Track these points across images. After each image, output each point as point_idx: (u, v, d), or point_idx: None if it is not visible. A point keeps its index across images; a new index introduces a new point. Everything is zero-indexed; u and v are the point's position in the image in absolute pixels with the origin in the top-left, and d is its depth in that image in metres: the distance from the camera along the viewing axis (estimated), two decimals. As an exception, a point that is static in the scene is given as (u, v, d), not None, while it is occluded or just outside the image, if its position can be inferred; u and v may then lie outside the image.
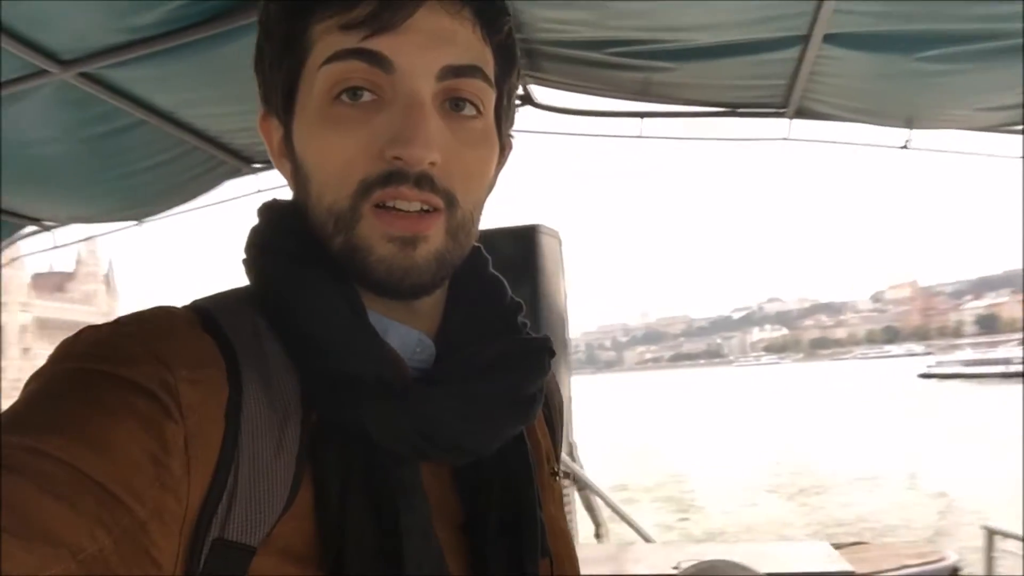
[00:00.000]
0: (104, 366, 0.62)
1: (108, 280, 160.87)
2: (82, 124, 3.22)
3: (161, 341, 0.66)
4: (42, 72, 2.81)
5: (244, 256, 0.79)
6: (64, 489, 0.54)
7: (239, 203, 3.91)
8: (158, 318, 0.69)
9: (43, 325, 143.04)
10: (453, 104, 0.74)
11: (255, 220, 0.82)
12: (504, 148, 0.85)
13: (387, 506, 0.68)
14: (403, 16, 0.69)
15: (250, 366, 0.69)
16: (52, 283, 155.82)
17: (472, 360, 0.78)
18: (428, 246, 0.72)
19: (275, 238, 0.78)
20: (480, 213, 0.80)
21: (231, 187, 3.99)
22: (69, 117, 3.14)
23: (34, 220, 4.22)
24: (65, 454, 0.55)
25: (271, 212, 0.82)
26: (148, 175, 3.72)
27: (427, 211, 0.72)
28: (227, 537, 0.62)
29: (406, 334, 0.78)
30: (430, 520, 0.71)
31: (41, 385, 0.62)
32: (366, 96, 0.71)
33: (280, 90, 0.76)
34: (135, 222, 4.20)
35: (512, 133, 0.88)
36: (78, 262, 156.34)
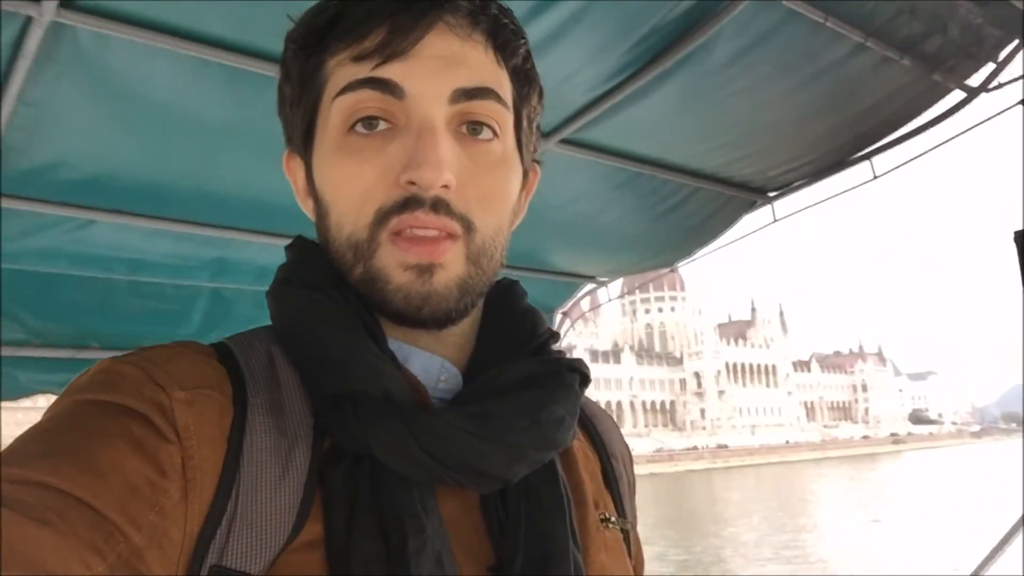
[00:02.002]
0: (100, 395, 0.64)
1: (782, 323, 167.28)
2: (585, 184, 3.37)
3: (159, 366, 0.67)
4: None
5: (269, 290, 0.81)
6: (51, 515, 0.54)
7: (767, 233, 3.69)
8: (166, 347, 0.71)
9: (732, 370, 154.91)
10: (470, 128, 0.74)
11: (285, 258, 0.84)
12: (527, 173, 0.85)
13: (395, 529, 0.65)
14: (412, 41, 0.70)
15: (258, 391, 0.70)
16: (735, 331, 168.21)
17: (492, 381, 0.76)
18: (447, 273, 0.72)
19: (299, 271, 0.79)
20: (504, 239, 0.79)
21: (754, 219, 3.80)
22: (572, 182, 3.31)
23: (589, 278, 4.54)
24: (55, 480, 0.56)
25: (298, 249, 0.83)
26: (663, 223, 3.73)
27: (443, 237, 0.71)
28: (225, 564, 0.61)
29: (428, 361, 0.77)
30: (447, 547, 0.67)
31: (43, 419, 0.64)
32: (381, 125, 0.72)
33: (300, 128, 0.78)
34: (668, 269, 4.24)
35: (537, 159, 0.87)
36: (753, 309, 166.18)
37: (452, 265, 0.72)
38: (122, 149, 2.64)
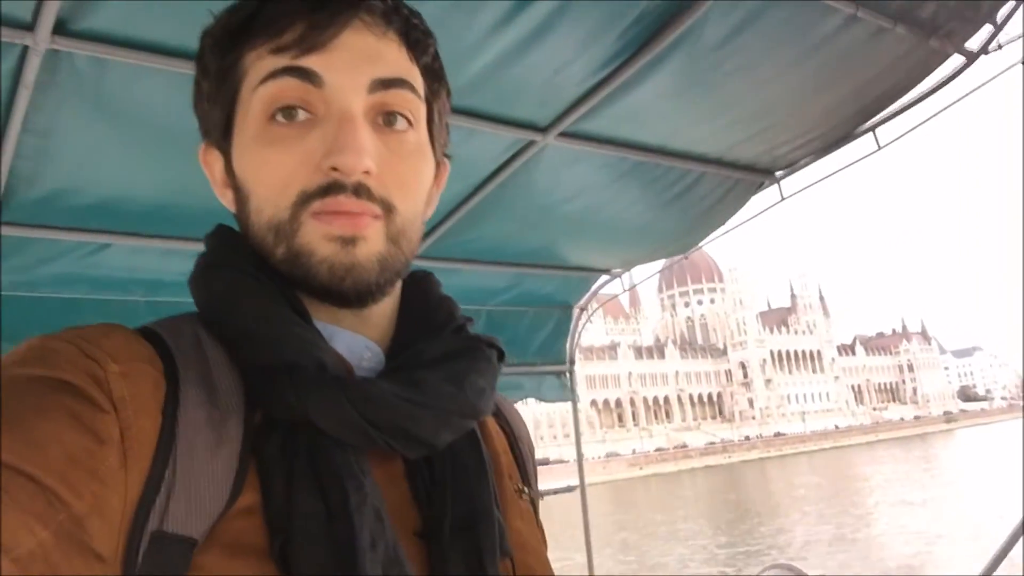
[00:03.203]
0: (34, 369, 0.65)
1: (824, 308, 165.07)
2: (589, 177, 3.37)
3: (92, 342, 0.68)
4: (531, 143, 3.02)
5: (191, 276, 0.82)
6: None
7: (777, 211, 3.64)
8: (95, 327, 0.72)
9: (777, 358, 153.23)
10: (386, 119, 0.77)
11: (204, 248, 0.85)
12: (439, 165, 0.87)
13: (334, 488, 0.67)
14: (329, 36, 0.74)
15: (188, 366, 0.71)
16: (776, 318, 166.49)
17: (419, 354, 0.80)
18: (369, 247, 0.74)
19: (222, 255, 0.81)
20: (419, 226, 0.82)
21: (764, 198, 3.77)
22: (575, 175, 3.32)
23: (604, 271, 4.56)
24: None
25: (219, 236, 0.85)
26: (672, 210, 3.72)
27: (366, 216, 0.74)
28: (166, 529, 0.63)
29: (352, 340, 0.80)
30: (382, 501, 0.70)
31: None
32: (300, 115, 0.74)
33: (219, 121, 0.80)
34: (682, 255, 4.21)
35: (447, 153, 0.90)
36: (793, 295, 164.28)
37: (373, 240, 0.75)
38: (130, 171, 2.70)
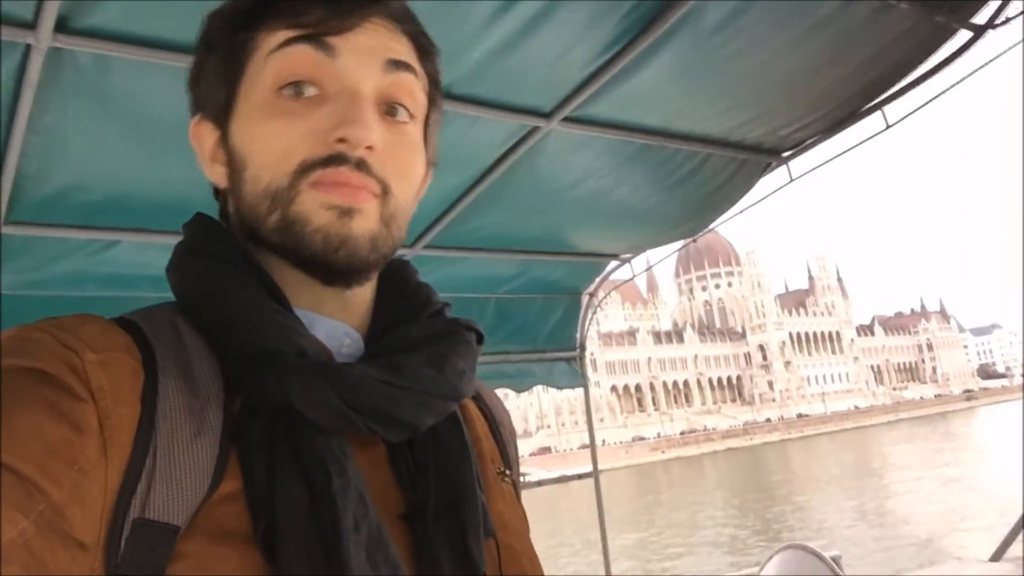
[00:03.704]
0: (12, 360, 0.65)
1: (842, 289, 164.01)
2: (594, 162, 3.36)
3: (69, 331, 0.68)
4: (535, 129, 3.02)
5: (169, 264, 0.82)
6: None
7: (793, 192, 3.63)
8: (71, 316, 0.72)
9: (796, 339, 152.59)
10: (389, 109, 0.78)
11: (182, 237, 0.85)
12: (427, 167, 0.88)
13: (317, 472, 0.68)
14: (349, 25, 0.76)
15: (166, 355, 0.71)
16: (794, 300, 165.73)
17: (399, 338, 0.80)
18: (365, 222, 0.75)
19: (201, 243, 0.81)
20: (408, 215, 0.83)
21: (771, 181, 3.74)
22: (580, 160, 3.31)
23: (612, 256, 4.55)
24: None
25: (197, 224, 0.85)
26: (679, 193, 3.71)
27: (365, 191, 0.75)
28: (148, 516, 0.63)
29: (332, 327, 0.81)
30: (366, 486, 0.71)
31: None
32: (309, 91, 0.75)
33: (220, 95, 0.80)
34: (691, 239, 4.20)
35: (434, 162, 0.91)
36: (810, 277, 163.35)
37: (369, 216, 0.75)
38: (135, 167, 2.71)
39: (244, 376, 0.72)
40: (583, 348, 5.22)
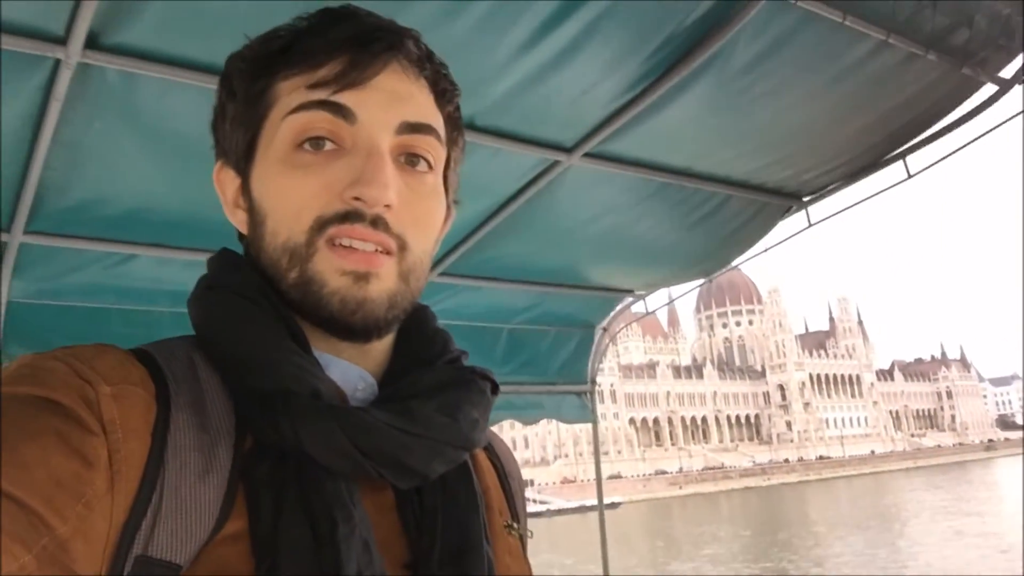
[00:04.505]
0: (26, 388, 0.64)
1: (863, 332, 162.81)
2: (613, 198, 3.36)
3: (85, 362, 0.68)
4: (556, 163, 3.02)
5: (191, 297, 0.82)
6: None
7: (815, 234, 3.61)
8: (88, 346, 0.72)
9: (815, 381, 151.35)
10: (408, 159, 0.79)
11: (206, 270, 0.86)
12: (448, 209, 0.88)
13: (323, 516, 0.67)
14: (369, 76, 0.76)
15: (180, 390, 0.71)
16: (814, 341, 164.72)
17: (413, 384, 0.80)
18: (381, 284, 0.76)
19: (224, 278, 0.81)
20: (428, 264, 0.84)
21: (790, 224, 3.72)
22: (600, 195, 3.31)
23: (627, 291, 4.53)
24: None
25: (222, 259, 0.85)
26: (697, 233, 3.70)
27: (380, 252, 0.75)
28: (150, 554, 0.63)
29: (348, 369, 0.80)
30: (372, 536, 0.70)
31: None
32: (328, 146, 0.76)
33: (240, 143, 0.81)
34: (707, 278, 4.18)
35: (455, 199, 0.91)
36: (831, 319, 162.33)
37: (386, 277, 0.76)
38: (157, 183, 2.73)
39: (256, 415, 0.71)
40: (594, 383, 5.20)
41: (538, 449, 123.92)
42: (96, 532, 0.60)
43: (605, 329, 4.97)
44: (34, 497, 0.57)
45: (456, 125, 0.87)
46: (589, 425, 5.13)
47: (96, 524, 0.60)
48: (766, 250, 3.80)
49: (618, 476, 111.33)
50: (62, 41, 2.01)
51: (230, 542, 0.66)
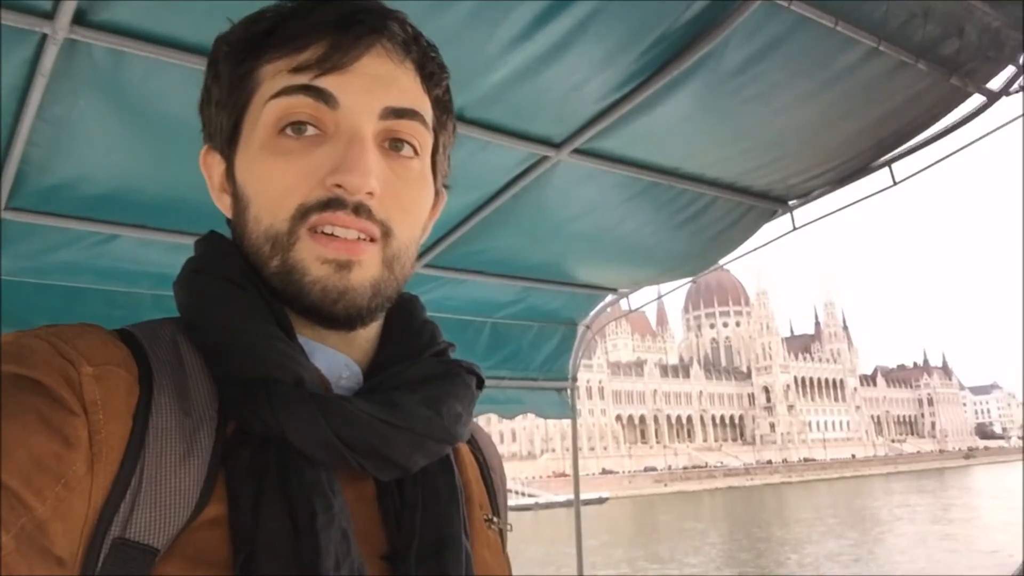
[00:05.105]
0: (6, 367, 0.64)
1: (848, 337, 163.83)
2: (600, 195, 3.36)
3: (67, 342, 0.67)
4: (544, 158, 3.02)
5: (177, 279, 0.82)
6: None
7: (801, 238, 3.64)
8: (72, 326, 0.71)
9: (800, 384, 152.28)
10: (392, 144, 0.78)
11: (193, 253, 0.85)
12: (438, 194, 0.88)
13: (303, 505, 0.67)
14: (351, 59, 0.75)
15: (163, 373, 0.71)
16: (800, 344, 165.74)
17: (397, 375, 0.79)
18: (363, 272, 0.75)
19: (210, 262, 0.81)
20: (414, 251, 0.83)
21: (772, 228, 3.74)
22: (587, 192, 3.30)
23: (611, 289, 4.53)
24: None
25: (209, 242, 0.84)
26: (683, 233, 3.70)
27: (363, 239, 0.75)
28: (128, 536, 0.63)
29: (333, 357, 0.79)
30: (351, 525, 0.70)
31: None
32: (310, 131, 0.75)
33: (225, 126, 0.81)
34: (690, 278, 4.20)
35: (446, 183, 0.91)
36: (817, 323, 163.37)
37: (369, 265, 0.75)
38: (141, 164, 2.71)
39: (239, 400, 0.71)
40: (575, 379, 5.20)
41: (525, 443, 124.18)
42: (75, 513, 0.60)
43: (588, 326, 4.98)
44: (13, 477, 0.57)
45: (445, 108, 0.85)
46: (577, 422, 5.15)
47: (75, 505, 0.60)
48: (750, 251, 3.82)
49: (610, 472, 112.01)
50: (49, 15, 1.98)
51: (208, 527, 0.66)
